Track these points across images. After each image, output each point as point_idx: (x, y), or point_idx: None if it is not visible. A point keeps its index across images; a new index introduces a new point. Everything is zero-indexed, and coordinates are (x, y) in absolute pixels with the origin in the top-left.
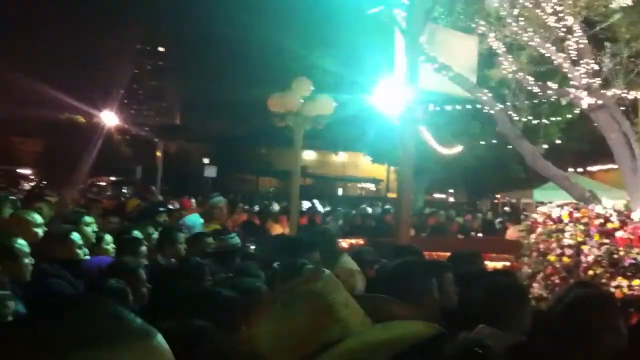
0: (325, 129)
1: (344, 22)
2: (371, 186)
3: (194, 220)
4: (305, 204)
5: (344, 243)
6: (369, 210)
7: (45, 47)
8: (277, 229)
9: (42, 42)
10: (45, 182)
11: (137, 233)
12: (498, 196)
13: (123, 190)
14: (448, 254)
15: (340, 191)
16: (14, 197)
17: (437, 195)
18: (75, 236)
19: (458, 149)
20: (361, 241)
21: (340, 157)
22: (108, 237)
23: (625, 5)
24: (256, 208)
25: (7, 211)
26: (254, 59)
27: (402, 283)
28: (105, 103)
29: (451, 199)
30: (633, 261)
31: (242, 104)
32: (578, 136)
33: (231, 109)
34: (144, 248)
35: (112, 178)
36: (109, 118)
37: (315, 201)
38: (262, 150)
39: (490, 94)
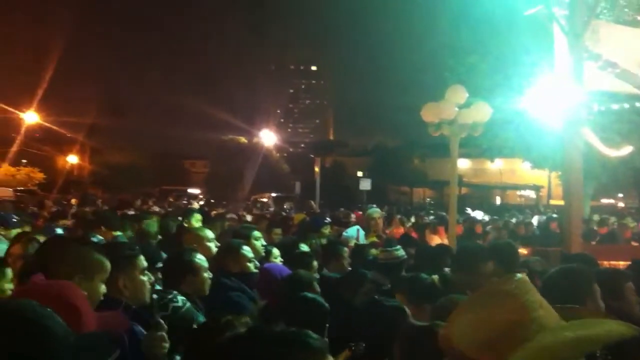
0: (479, 135)
1: (496, 25)
2: (531, 193)
3: (353, 232)
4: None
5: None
6: (535, 218)
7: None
8: (435, 240)
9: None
10: (212, 200)
11: (304, 247)
12: None
13: (284, 206)
14: (621, 262)
15: (497, 200)
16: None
17: (604, 201)
18: (246, 250)
19: (627, 149)
20: (525, 251)
21: (497, 165)
22: (275, 251)
23: None
24: (412, 219)
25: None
26: (405, 69)
27: (564, 290)
28: (264, 123)
29: (620, 204)
30: None
31: (395, 116)
32: None
33: (383, 121)
34: (315, 262)
35: (274, 194)
36: (268, 137)
37: (476, 211)
38: (415, 160)
39: None
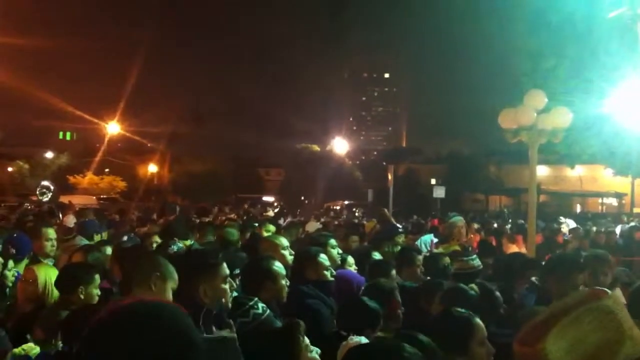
0: (561, 141)
1: (575, 28)
2: (613, 201)
3: (427, 240)
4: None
5: None
6: (618, 227)
7: (282, 78)
8: (513, 249)
9: (281, 72)
10: (286, 208)
11: (377, 255)
12: None
13: (356, 214)
14: None
15: (578, 208)
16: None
17: None
18: (323, 258)
19: None
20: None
21: (577, 171)
22: (350, 259)
23: None
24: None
25: (267, 232)
26: (480, 74)
27: None
28: (336, 131)
29: None
30: None
31: (469, 122)
32: None
33: (458, 128)
34: (394, 271)
35: (346, 202)
36: (341, 145)
37: (567, 219)
38: (491, 168)
39: None
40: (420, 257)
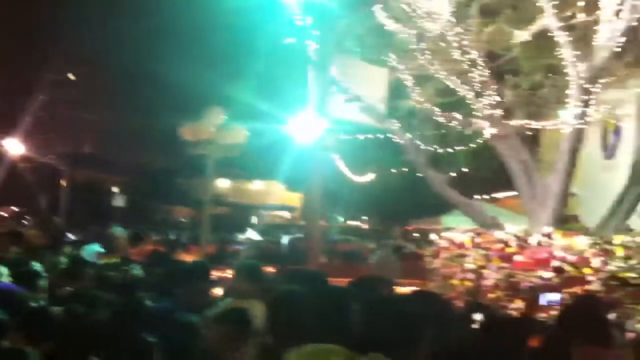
0: (241, 157)
1: (263, 53)
2: (286, 214)
3: (92, 250)
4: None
5: None
6: (285, 238)
7: None
8: (187, 259)
9: None
10: None
11: (37, 265)
12: (411, 223)
13: (24, 222)
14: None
15: (254, 219)
16: None
17: (352, 223)
18: None
19: (370, 176)
20: (271, 269)
21: (256, 185)
22: (3, 269)
23: (524, 40)
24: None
25: None
26: (170, 89)
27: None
28: (10, 131)
29: (365, 226)
30: (531, 284)
31: (162, 135)
32: (485, 164)
33: (145, 138)
34: (43, 282)
35: (15, 208)
36: (14, 146)
37: (250, 231)
38: (178, 179)
39: (399, 124)
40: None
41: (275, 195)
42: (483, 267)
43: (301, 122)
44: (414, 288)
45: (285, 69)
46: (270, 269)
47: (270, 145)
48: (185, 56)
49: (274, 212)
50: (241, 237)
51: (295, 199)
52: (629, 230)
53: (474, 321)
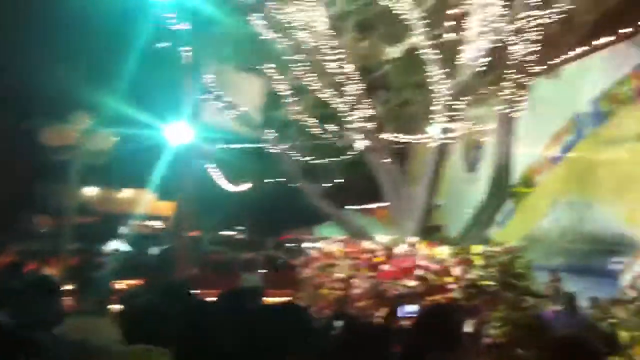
0: (110, 164)
1: (135, 57)
2: (158, 224)
3: None
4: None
5: (122, 284)
6: (155, 249)
7: None
8: (48, 272)
9: None
10: None
11: None
12: (286, 233)
13: None
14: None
15: (126, 229)
16: None
17: (227, 233)
18: None
19: (246, 186)
20: (140, 281)
21: (126, 194)
22: None
23: (396, 56)
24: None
25: None
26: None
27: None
28: None
29: (240, 237)
30: (397, 292)
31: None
32: (359, 175)
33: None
34: None
35: None
36: None
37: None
38: (39, 186)
39: (275, 134)
40: None
41: (146, 205)
42: (352, 277)
43: (174, 129)
44: (285, 299)
45: (158, 74)
46: (135, 282)
47: (142, 152)
48: (46, 55)
49: (145, 222)
50: (108, 248)
51: (167, 208)
52: (487, 240)
53: (334, 330)
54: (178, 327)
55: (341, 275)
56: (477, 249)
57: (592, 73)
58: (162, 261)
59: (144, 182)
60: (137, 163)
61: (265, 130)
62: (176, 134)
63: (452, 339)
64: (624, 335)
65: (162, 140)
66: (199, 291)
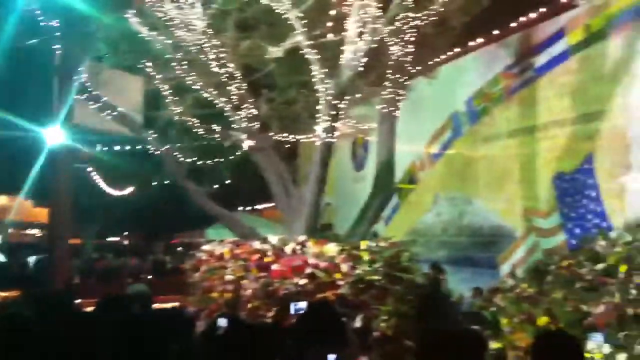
0: None
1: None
2: (36, 231)
3: None
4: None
5: None
6: (32, 258)
7: None
8: None
9: None
10: None
11: None
12: (175, 236)
13: None
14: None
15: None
16: None
17: (111, 239)
18: None
19: (129, 189)
20: (16, 293)
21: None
22: None
23: (278, 56)
24: None
25: None
26: None
27: None
28: None
29: (126, 242)
30: (287, 291)
31: None
32: (248, 176)
33: None
34: None
35: None
36: None
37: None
38: None
39: (156, 135)
40: None
41: (22, 211)
42: (242, 278)
43: (49, 132)
44: (174, 304)
45: (28, 73)
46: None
47: (13, 156)
48: None
49: (22, 230)
50: None
51: (45, 215)
52: (374, 236)
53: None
54: (51, 338)
55: (231, 277)
56: (364, 244)
57: (466, 73)
58: (38, 271)
59: (18, 187)
60: (10, 168)
61: (146, 131)
62: (51, 136)
63: (332, 334)
64: (504, 322)
65: (37, 143)
66: (79, 301)
